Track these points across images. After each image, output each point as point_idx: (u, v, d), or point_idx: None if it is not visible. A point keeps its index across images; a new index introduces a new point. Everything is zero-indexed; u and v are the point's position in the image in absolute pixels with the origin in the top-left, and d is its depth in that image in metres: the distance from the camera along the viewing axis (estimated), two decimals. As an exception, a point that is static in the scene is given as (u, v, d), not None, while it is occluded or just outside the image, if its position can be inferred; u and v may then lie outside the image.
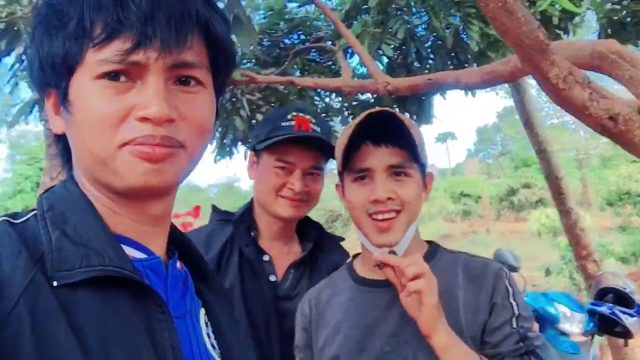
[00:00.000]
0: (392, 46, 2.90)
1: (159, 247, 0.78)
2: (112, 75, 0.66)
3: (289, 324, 1.47)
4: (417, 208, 1.30)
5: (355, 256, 1.47)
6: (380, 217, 1.25)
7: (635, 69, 1.72)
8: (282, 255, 1.61)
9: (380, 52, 2.95)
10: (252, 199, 1.68)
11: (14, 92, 3.62)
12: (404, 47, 3.13)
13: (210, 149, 3.91)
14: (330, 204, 21.71)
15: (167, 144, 0.68)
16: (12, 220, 0.68)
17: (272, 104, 3.63)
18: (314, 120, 1.61)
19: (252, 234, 1.59)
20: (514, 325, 1.22)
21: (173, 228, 0.84)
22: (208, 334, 0.80)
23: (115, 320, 0.64)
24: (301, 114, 1.60)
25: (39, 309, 0.58)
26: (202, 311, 0.82)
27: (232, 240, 1.55)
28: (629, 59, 1.75)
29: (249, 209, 1.65)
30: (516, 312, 1.23)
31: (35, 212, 0.70)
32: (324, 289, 1.44)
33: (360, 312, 1.31)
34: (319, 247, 1.66)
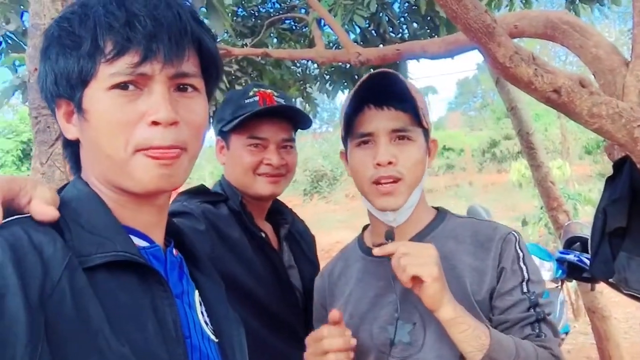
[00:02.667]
0: (365, 16, 2.98)
1: (158, 236, 0.91)
2: (122, 86, 0.78)
3: (296, 294, 1.58)
4: (419, 173, 1.26)
5: (365, 228, 1.44)
6: (383, 181, 1.22)
7: (584, 39, 1.86)
8: (268, 231, 1.62)
9: (353, 22, 3.03)
10: (222, 182, 1.62)
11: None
12: (377, 16, 3.20)
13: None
14: (315, 164, 21.85)
15: (175, 147, 0.80)
16: None
17: (250, 75, 3.71)
18: (276, 94, 1.58)
19: (249, 212, 1.55)
20: (524, 290, 1.20)
21: (168, 220, 0.96)
22: (202, 312, 0.94)
23: (127, 297, 0.77)
24: (262, 89, 1.57)
25: (76, 285, 0.71)
26: (196, 292, 0.96)
27: (232, 220, 1.52)
28: (579, 29, 1.88)
29: (230, 188, 1.58)
30: (526, 276, 1.21)
31: None
32: (337, 262, 1.44)
33: (368, 282, 1.31)
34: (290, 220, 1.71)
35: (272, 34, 3.78)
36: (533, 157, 4.22)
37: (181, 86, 0.83)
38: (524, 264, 1.22)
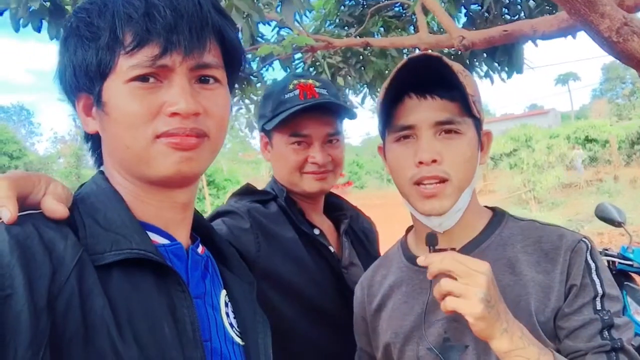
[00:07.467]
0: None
1: (182, 233, 0.88)
2: (142, 78, 0.76)
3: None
4: (469, 173, 1.09)
5: (409, 229, 1.29)
6: (426, 182, 1.07)
7: None
8: (325, 227, 1.55)
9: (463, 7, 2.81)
10: (274, 178, 1.56)
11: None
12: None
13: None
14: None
15: (196, 134, 0.78)
16: None
17: (354, 66, 3.62)
18: (317, 84, 1.48)
19: (299, 209, 1.50)
20: (598, 307, 1.01)
21: (196, 215, 0.93)
22: (227, 313, 0.89)
23: (141, 297, 0.74)
24: (302, 80, 1.48)
25: (85, 283, 0.70)
26: (224, 292, 0.91)
27: (282, 217, 1.46)
28: None
29: (277, 185, 1.53)
30: (599, 291, 1.01)
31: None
32: (377, 269, 1.31)
33: (414, 297, 1.16)
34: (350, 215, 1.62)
35: (377, 23, 3.65)
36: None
37: (202, 78, 0.80)
38: (597, 276, 1.02)
